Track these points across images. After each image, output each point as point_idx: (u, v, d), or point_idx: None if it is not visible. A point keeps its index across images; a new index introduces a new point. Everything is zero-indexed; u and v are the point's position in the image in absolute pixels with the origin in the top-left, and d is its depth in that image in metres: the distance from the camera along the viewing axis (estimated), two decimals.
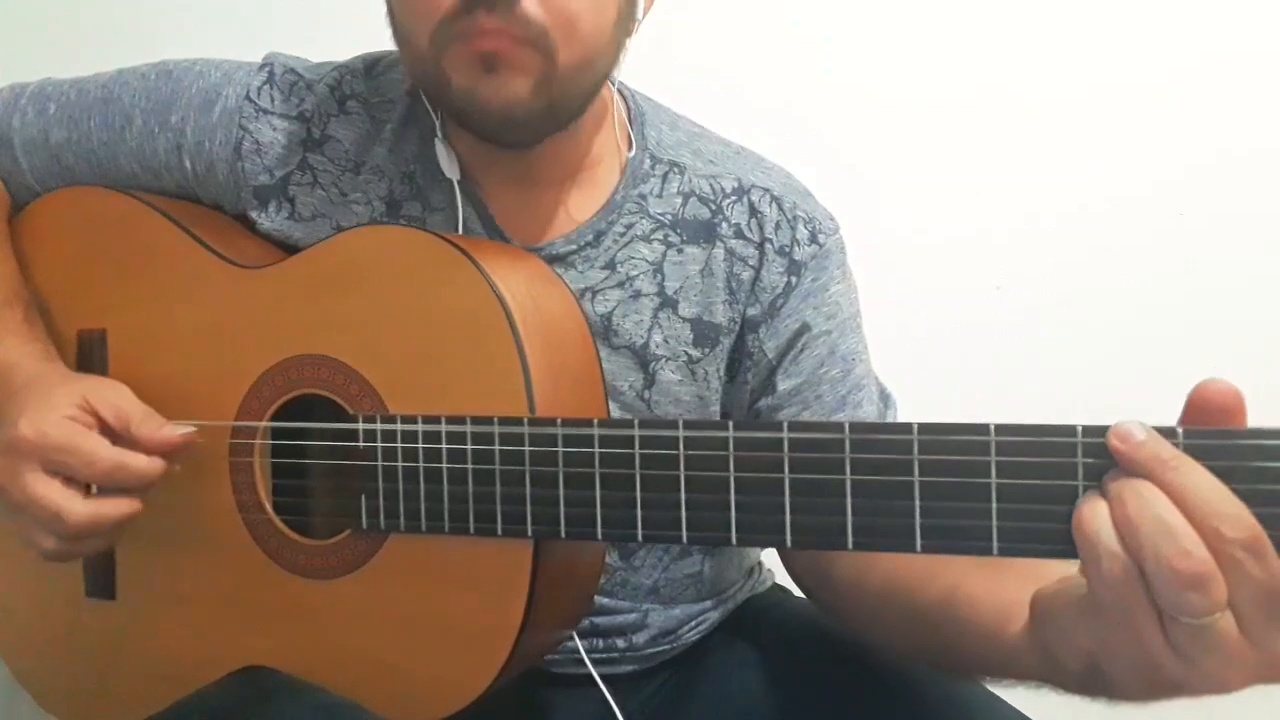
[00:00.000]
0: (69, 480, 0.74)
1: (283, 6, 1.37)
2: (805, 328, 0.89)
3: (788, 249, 0.89)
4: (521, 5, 0.71)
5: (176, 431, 0.78)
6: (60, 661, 0.90)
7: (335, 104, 0.89)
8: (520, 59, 0.73)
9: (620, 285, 0.87)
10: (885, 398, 0.95)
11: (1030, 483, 0.55)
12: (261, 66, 0.89)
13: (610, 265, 0.87)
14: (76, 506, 0.74)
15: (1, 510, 0.78)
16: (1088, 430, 0.54)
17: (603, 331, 0.86)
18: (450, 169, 0.86)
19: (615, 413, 0.87)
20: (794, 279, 0.89)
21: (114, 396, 0.78)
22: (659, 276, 0.88)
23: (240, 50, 0.93)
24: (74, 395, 0.77)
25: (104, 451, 0.75)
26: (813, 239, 0.90)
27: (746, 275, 0.88)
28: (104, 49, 1.04)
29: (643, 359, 0.87)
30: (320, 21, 1.32)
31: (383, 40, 0.92)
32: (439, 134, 0.86)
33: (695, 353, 0.88)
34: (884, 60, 1.32)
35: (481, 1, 0.71)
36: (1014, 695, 0.79)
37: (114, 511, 0.76)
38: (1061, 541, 0.54)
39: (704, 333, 0.88)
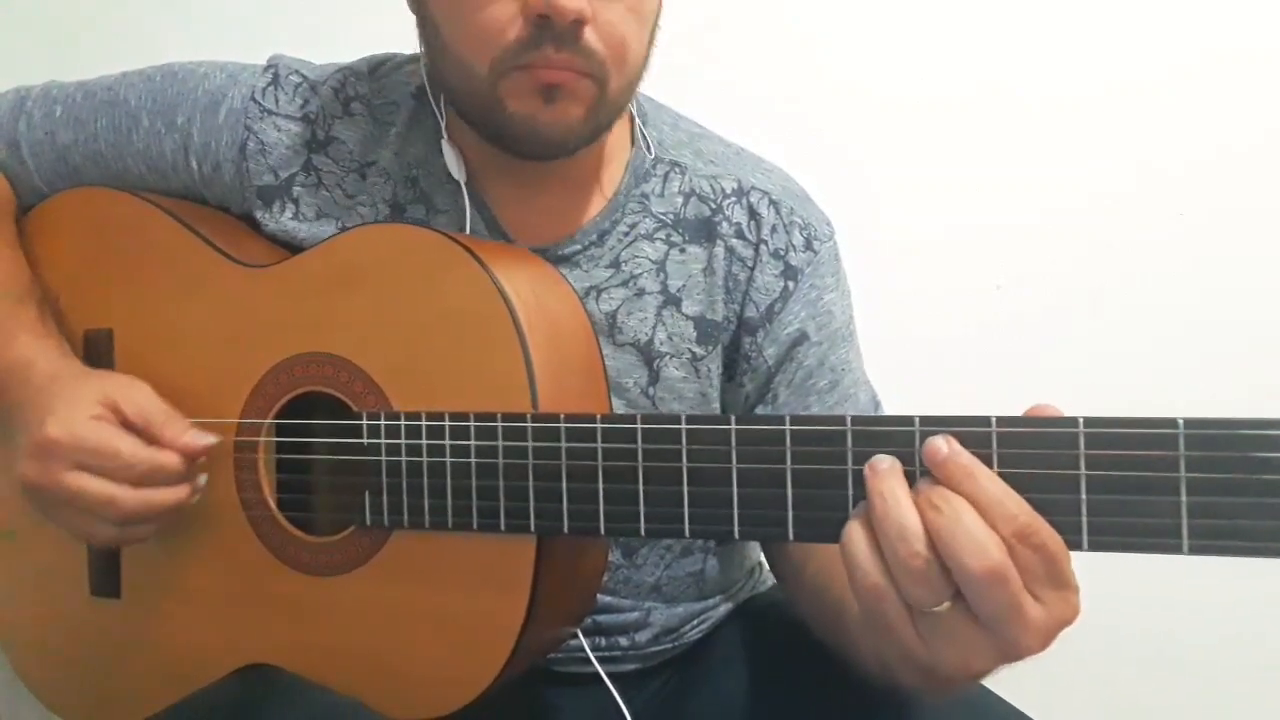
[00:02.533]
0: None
1: (284, 9, 1.37)
2: (803, 336, 0.90)
3: (783, 253, 0.89)
4: (585, 39, 0.74)
5: (202, 440, 0.79)
6: (65, 660, 0.90)
7: (339, 105, 0.89)
8: (579, 90, 0.76)
9: (624, 284, 0.88)
10: (875, 405, 0.96)
11: (1031, 472, 0.55)
12: (266, 68, 0.90)
13: (614, 264, 0.88)
14: (127, 492, 0.76)
15: (39, 510, 0.79)
16: (1089, 421, 0.54)
17: (608, 329, 0.87)
18: (458, 171, 0.86)
19: (621, 410, 0.87)
20: (791, 284, 0.89)
21: (137, 395, 0.79)
22: (662, 275, 0.88)
23: (243, 53, 0.93)
24: (98, 393, 0.78)
25: (141, 454, 0.76)
26: (807, 245, 0.90)
27: (743, 275, 0.89)
28: (106, 52, 1.04)
29: (647, 356, 0.88)
30: (321, 24, 1.33)
31: (383, 44, 0.93)
32: (444, 135, 0.87)
33: (699, 350, 0.89)
34: (883, 58, 1.32)
35: (550, 36, 0.73)
36: (1014, 694, 0.80)
37: (163, 499, 0.77)
38: (1064, 531, 0.54)
39: (707, 330, 0.89)
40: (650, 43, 0.81)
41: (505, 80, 0.76)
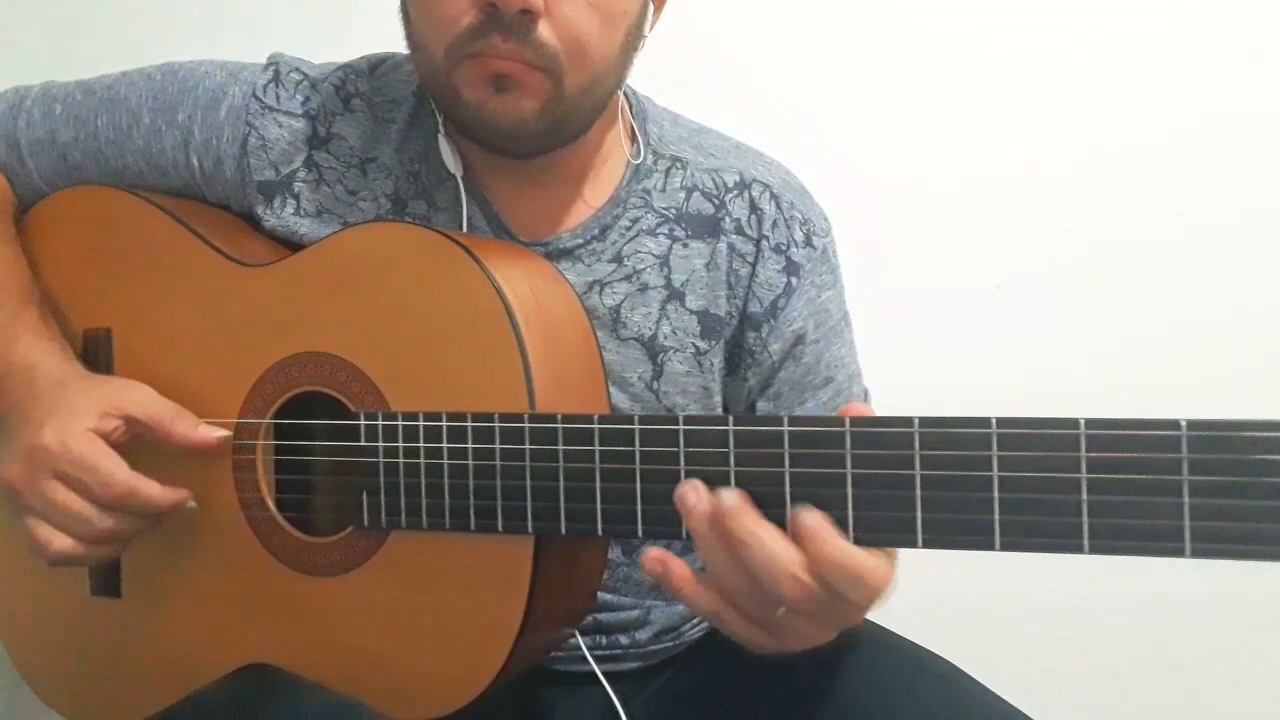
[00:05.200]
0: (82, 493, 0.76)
1: (284, 10, 1.37)
2: (804, 332, 0.91)
3: (784, 248, 0.90)
4: (537, 32, 0.74)
5: (214, 433, 0.80)
6: (65, 659, 0.90)
7: (340, 103, 0.89)
8: (530, 82, 0.76)
9: (628, 278, 0.88)
10: (865, 399, 0.97)
11: (1032, 475, 0.55)
12: (267, 66, 0.90)
13: (617, 258, 0.88)
14: (97, 513, 0.76)
15: (9, 512, 0.78)
16: (1091, 423, 0.54)
17: (611, 324, 0.87)
18: (454, 165, 0.86)
19: (624, 404, 0.88)
20: (794, 280, 0.90)
21: (142, 396, 0.80)
22: (665, 269, 0.89)
23: (242, 53, 0.93)
24: (99, 401, 0.78)
25: (120, 474, 0.76)
26: (808, 240, 0.91)
27: (744, 271, 0.90)
28: (106, 52, 1.04)
29: (651, 350, 0.88)
30: (321, 25, 1.33)
31: (384, 43, 0.93)
32: (442, 130, 0.87)
33: (702, 344, 0.89)
34: (884, 58, 1.32)
35: (499, 25, 0.73)
36: (1014, 694, 0.80)
37: (131, 529, 0.78)
38: (1064, 535, 0.54)
39: (710, 325, 0.89)
40: (628, 45, 0.81)
41: (458, 69, 0.77)
